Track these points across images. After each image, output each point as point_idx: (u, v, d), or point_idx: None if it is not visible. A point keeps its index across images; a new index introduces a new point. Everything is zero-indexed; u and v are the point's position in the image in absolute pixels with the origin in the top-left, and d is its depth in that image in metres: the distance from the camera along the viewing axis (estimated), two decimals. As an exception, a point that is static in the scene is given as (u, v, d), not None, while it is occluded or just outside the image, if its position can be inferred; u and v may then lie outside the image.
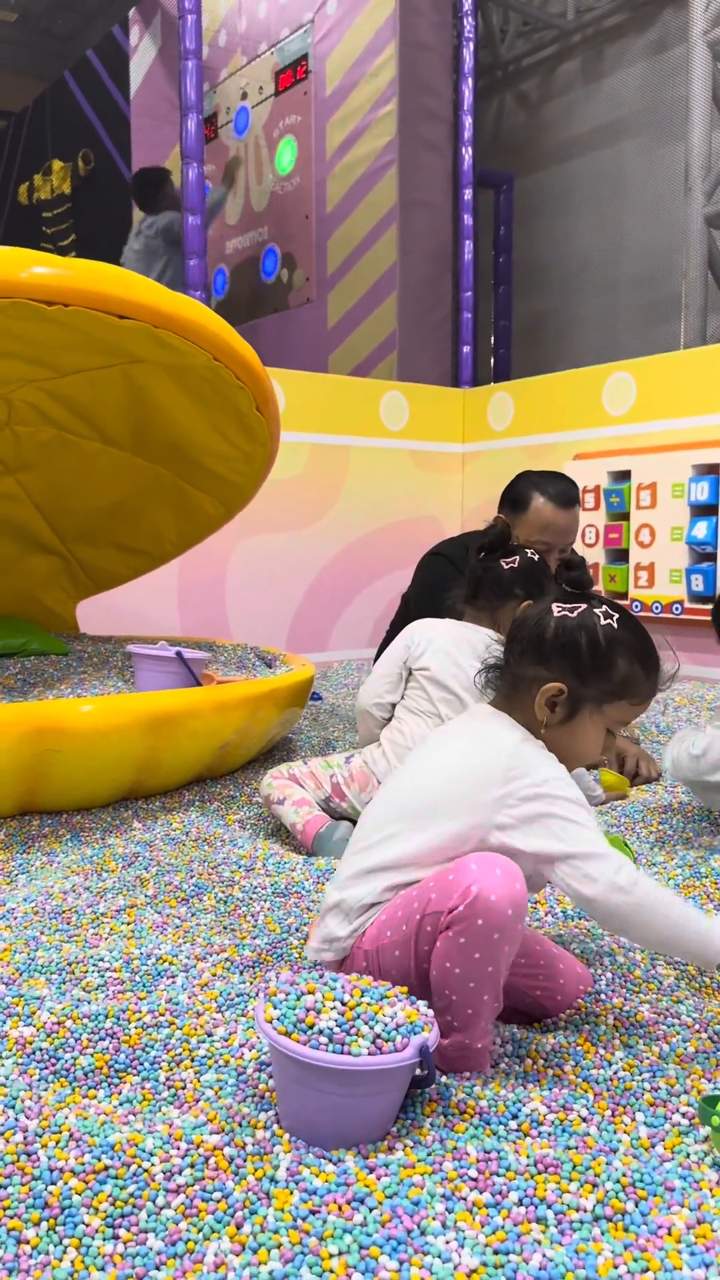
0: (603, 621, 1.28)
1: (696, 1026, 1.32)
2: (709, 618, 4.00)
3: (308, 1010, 1.08)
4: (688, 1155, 1.04)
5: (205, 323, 2.41)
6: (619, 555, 4.40)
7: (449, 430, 5.23)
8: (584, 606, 1.30)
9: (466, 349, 5.54)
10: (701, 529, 4.00)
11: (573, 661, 1.27)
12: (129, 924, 1.69)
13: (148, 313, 2.30)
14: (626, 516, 4.33)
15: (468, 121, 5.56)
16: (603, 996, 1.41)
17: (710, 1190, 0.98)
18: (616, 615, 1.29)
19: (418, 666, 2.26)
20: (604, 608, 1.30)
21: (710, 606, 4.00)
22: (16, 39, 8.98)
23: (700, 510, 4.05)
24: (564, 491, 2.60)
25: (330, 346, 5.80)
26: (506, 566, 2.19)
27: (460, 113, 5.58)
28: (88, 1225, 0.95)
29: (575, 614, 1.29)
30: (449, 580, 2.78)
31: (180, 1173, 1.01)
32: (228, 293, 6.62)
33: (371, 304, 5.55)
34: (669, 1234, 0.92)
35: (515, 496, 2.65)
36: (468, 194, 5.57)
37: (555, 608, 1.31)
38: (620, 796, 2.43)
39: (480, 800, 1.22)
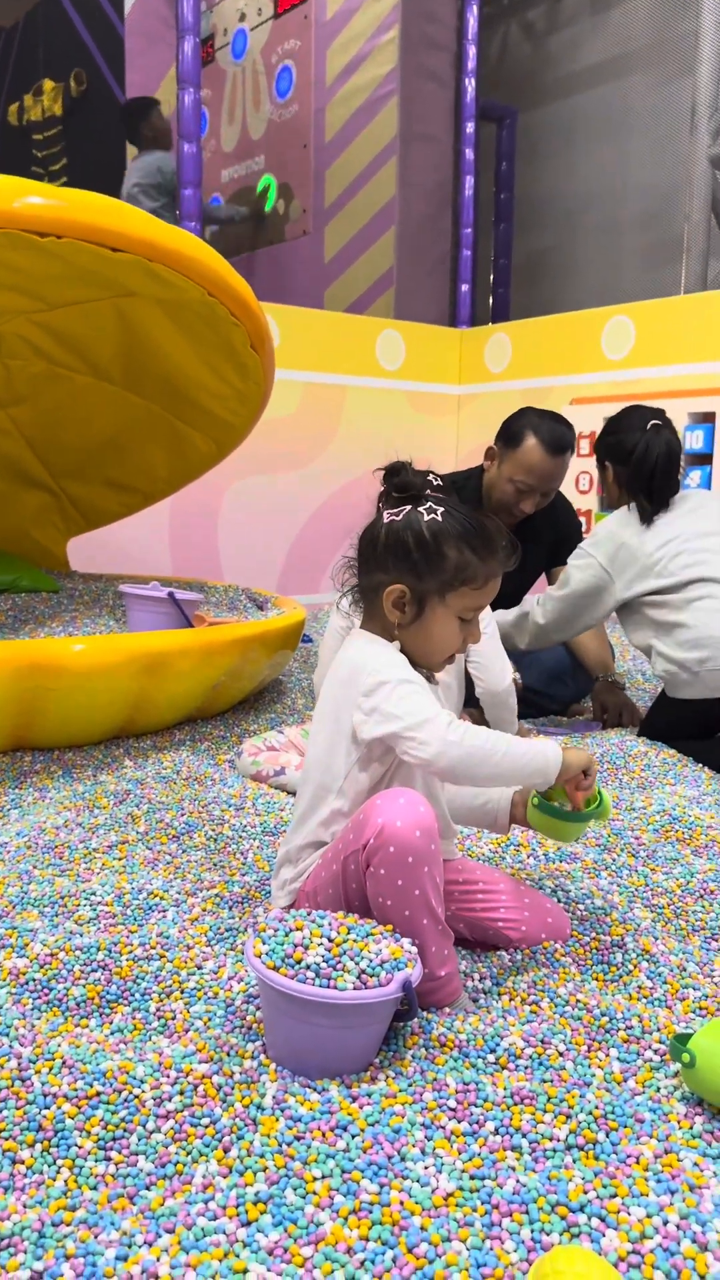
0: (426, 517, 1.31)
1: (671, 967, 1.36)
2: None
3: (295, 946, 1.11)
4: (658, 1090, 1.09)
5: (200, 257, 2.37)
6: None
7: (445, 371, 5.18)
8: (408, 508, 1.33)
9: (465, 287, 5.47)
10: (695, 478, 3.99)
11: (406, 560, 1.31)
12: (120, 859, 1.72)
13: (141, 246, 2.26)
14: (621, 463, 4.32)
15: (471, 51, 5.41)
16: (581, 936, 1.45)
17: (678, 1123, 1.02)
18: (441, 509, 1.32)
19: None
20: (428, 504, 1.32)
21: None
22: (6, -51, 8.66)
23: (694, 459, 4.04)
24: (557, 437, 2.59)
25: (326, 281, 5.71)
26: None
27: (464, 42, 5.43)
28: (80, 1147, 0.99)
29: (401, 516, 1.33)
30: None
31: (170, 1099, 1.05)
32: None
33: (369, 238, 5.45)
34: (637, 1163, 0.96)
35: (511, 431, 2.64)
36: (470, 127, 5.45)
37: (385, 515, 1.34)
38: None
39: (346, 709, 1.30)
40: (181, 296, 2.50)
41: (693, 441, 3.99)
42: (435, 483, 1.36)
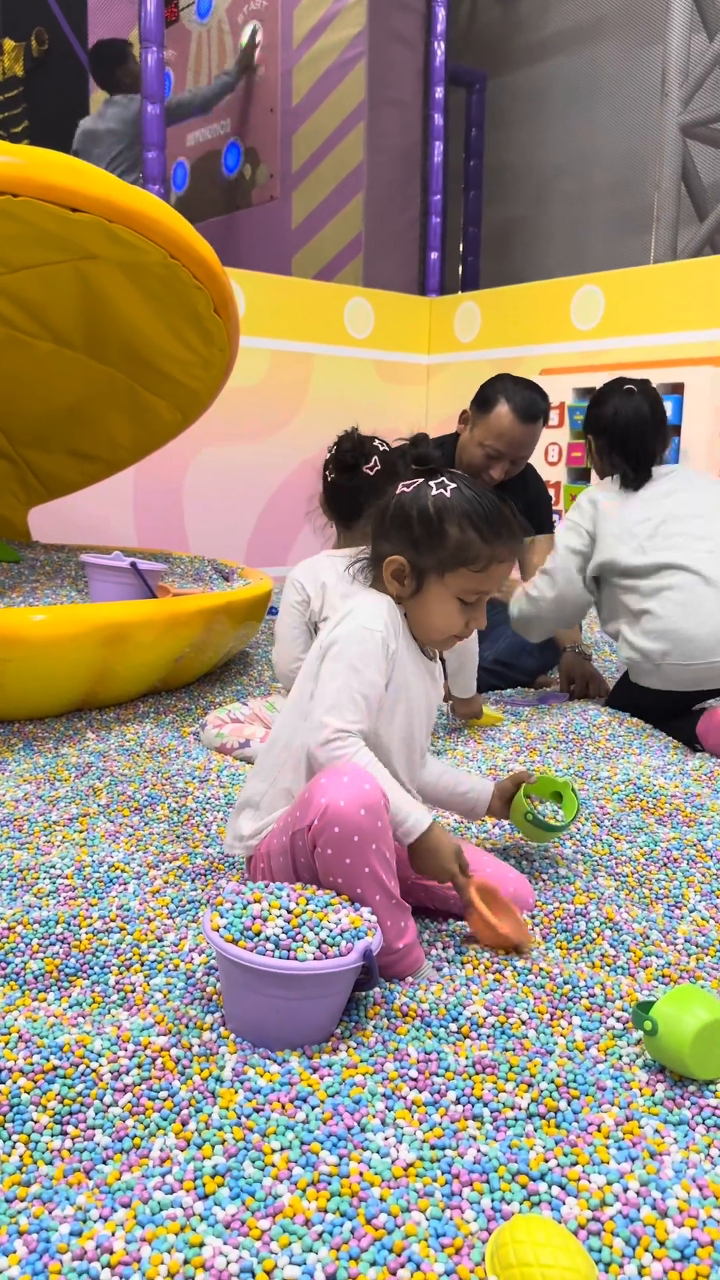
0: (434, 492, 1.29)
1: (634, 935, 1.36)
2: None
3: (254, 918, 1.09)
4: (620, 1058, 1.08)
5: (161, 218, 2.32)
6: (581, 474, 4.39)
7: (415, 340, 5.13)
8: (420, 481, 1.31)
9: (434, 255, 5.41)
10: (663, 449, 3.99)
11: (407, 533, 1.29)
12: (81, 832, 1.70)
13: (101, 206, 2.20)
14: (589, 434, 4.30)
15: (440, 14, 5.32)
16: (544, 905, 1.44)
17: (640, 1090, 1.02)
18: (453, 485, 1.29)
19: (321, 619, 2.20)
20: (442, 479, 1.30)
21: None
22: None
23: (663, 430, 4.04)
24: (529, 404, 2.57)
25: (294, 248, 5.62)
26: (370, 474, 2.06)
27: (433, 4, 5.34)
28: (36, 1122, 0.97)
29: (411, 488, 1.31)
30: None
31: (127, 1073, 1.03)
32: (188, 188, 6.37)
33: (337, 204, 5.37)
34: (599, 1130, 0.95)
35: (485, 397, 2.62)
36: (439, 92, 5.37)
37: (399, 486, 1.33)
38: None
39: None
40: (142, 259, 2.44)
41: (661, 413, 3.99)
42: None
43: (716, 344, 3.98)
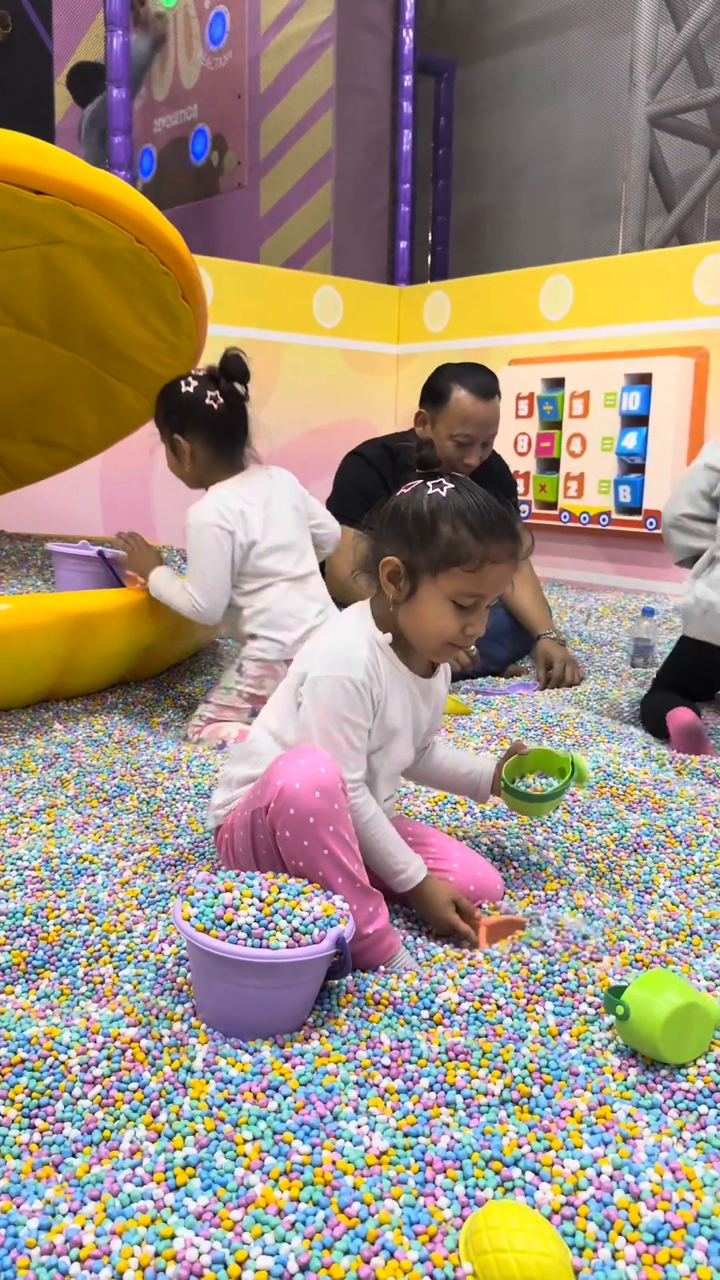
0: (430, 492, 1.28)
1: (605, 921, 1.36)
2: (636, 529, 4.04)
3: (226, 907, 1.08)
4: (592, 1043, 1.09)
5: (127, 202, 2.28)
6: (550, 464, 4.40)
7: (384, 330, 5.11)
8: (419, 483, 1.31)
9: (403, 244, 5.39)
10: (631, 439, 4.01)
11: (401, 532, 1.28)
12: (49, 824, 1.68)
13: (65, 189, 2.17)
14: (559, 425, 4.31)
15: (409, 1, 5.30)
16: (514, 893, 1.44)
17: (612, 1075, 1.02)
18: (450, 485, 1.29)
19: (250, 541, 2.24)
20: (440, 479, 1.30)
21: (638, 518, 4.04)
22: None
23: (631, 420, 4.05)
24: (483, 383, 2.57)
25: (262, 236, 5.58)
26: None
27: (402, -9, 5.31)
28: (3, 1116, 0.96)
29: (410, 490, 1.31)
30: (366, 482, 2.74)
31: (97, 1065, 1.02)
32: (155, 174, 6.30)
33: (306, 192, 5.34)
34: (572, 1116, 0.95)
35: (435, 390, 2.62)
36: (407, 80, 5.34)
37: (402, 489, 1.33)
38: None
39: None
40: (109, 244, 2.41)
41: (629, 403, 4.00)
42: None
43: (684, 335, 4.00)
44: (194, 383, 2.26)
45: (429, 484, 1.29)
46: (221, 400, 2.24)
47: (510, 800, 1.46)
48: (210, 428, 2.25)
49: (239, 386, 2.25)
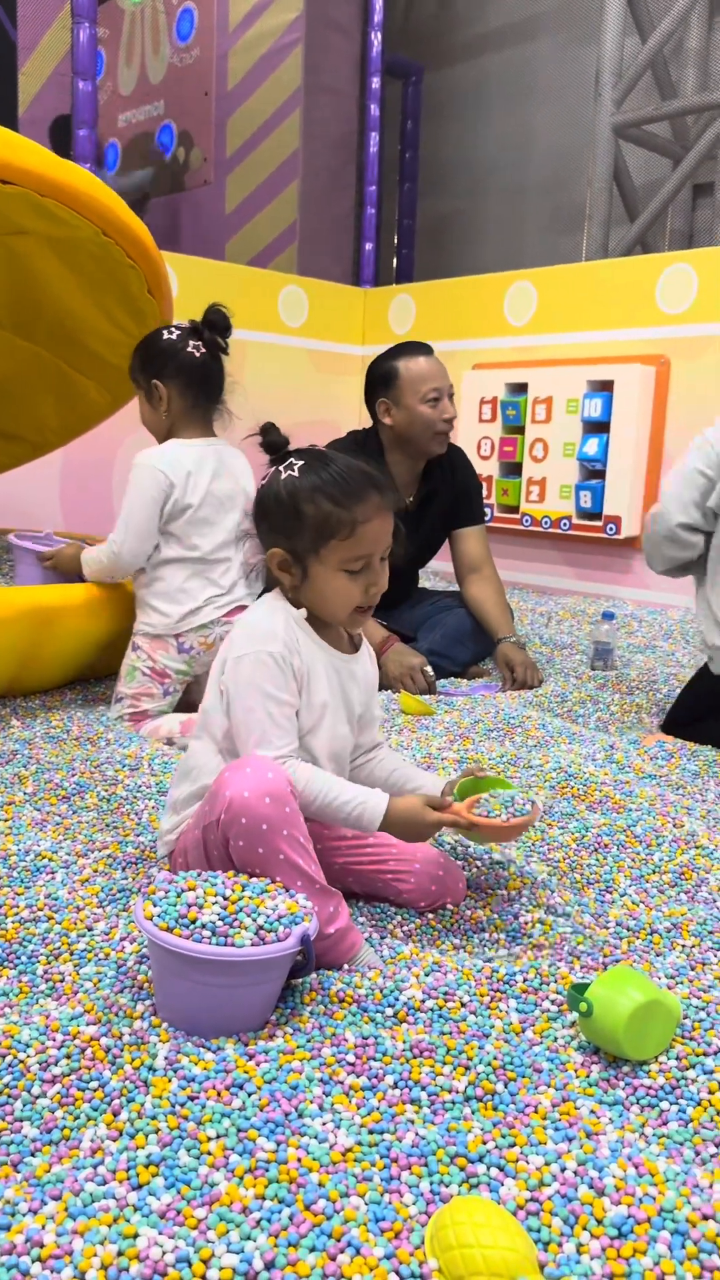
0: (283, 476, 1.29)
1: (567, 918, 1.37)
2: (597, 534, 4.08)
3: (189, 906, 1.07)
4: (556, 1039, 1.09)
5: (94, 193, 2.26)
6: (513, 469, 4.42)
7: (349, 331, 5.11)
8: (273, 471, 1.32)
9: (369, 246, 5.39)
10: (593, 445, 4.04)
11: (274, 523, 1.30)
12: (6, 821, 1.65)
13: (31, 179, 2.14)
14: (522, 430, 4.34)
15: (377, 4, 5.31)
16: (477, 890, 1.45)
17: (576, 1071, 1.03)
18: (300, 463, 1.29)
19: (185, 505, 2.26)
20: (290, 460, 1.31)
21: (599, 523, 4.07)
22: None
23: (593, 427, 4.09)
24: (417, 347, 2.70)
25: (228, 233, 5.56)
26: None
27: (371, -7, 5.32)
28: (-40, 1115, 0.94)
29: (267, 480, 1.32)
30: None
31: (56, 1063, 1.01)
32: (119, 170, 6.25)
33: (272, 191, 5.32)
34: (535, 1112, 0.96)
35: (382, 375, 2.70)
36: (375, 82, 5.35)
37: (261, 480, 1.34)
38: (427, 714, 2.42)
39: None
40: (74, 235, 2.38)
41: (591, 410, 4.04)
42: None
43: (646, 343, 4.05)
44: (176, 332, 2.28)
45: (280, 469, 1.30)
46: (203, 350, 2.25)
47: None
48: (188, 374, 2.26)
49: (220, 340, 2.27)
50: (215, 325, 2.25)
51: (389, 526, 1.30)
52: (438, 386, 2.64)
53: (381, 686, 2.65)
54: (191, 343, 2.25)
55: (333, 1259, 0.78)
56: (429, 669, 2.63)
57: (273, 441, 1.35)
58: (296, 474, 1.28)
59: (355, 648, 1.40)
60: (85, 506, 4.28)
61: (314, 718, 1.31)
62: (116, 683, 2.34)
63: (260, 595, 1.42)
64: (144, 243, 2.42)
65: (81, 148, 4.39)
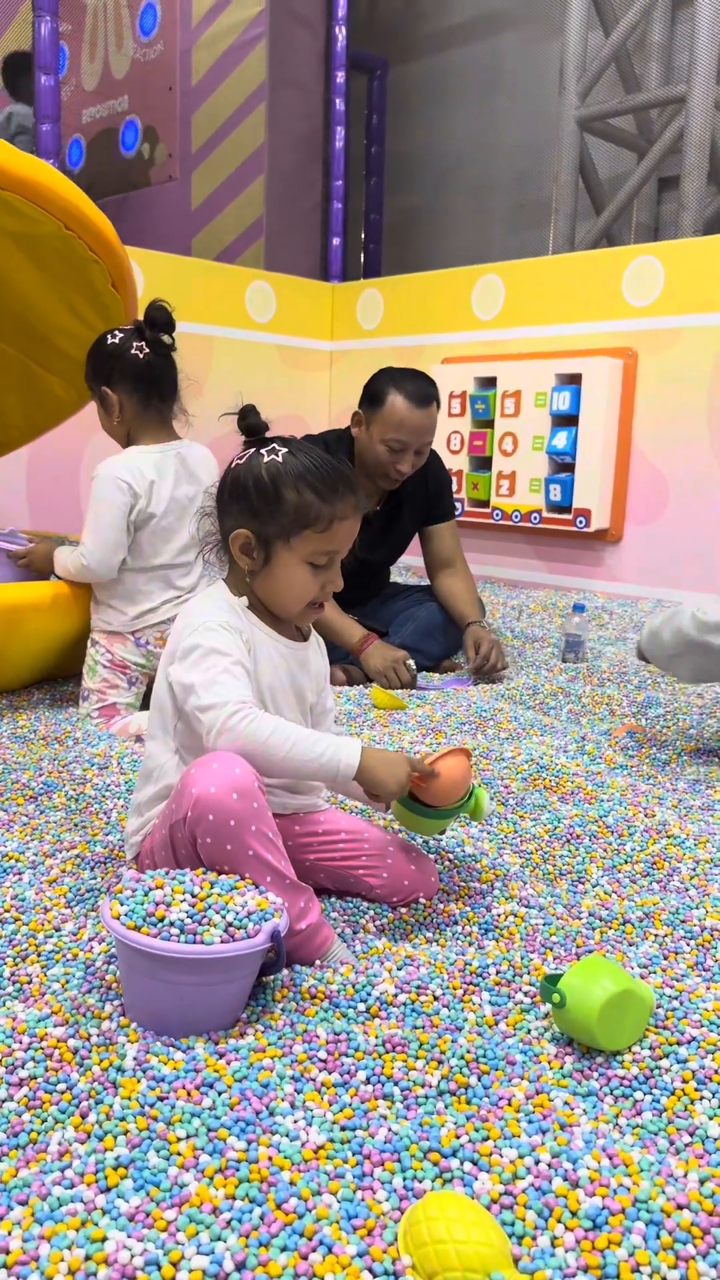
0: (265, 459, 1.28)
1: (539, 910, 1.36)
2: (566, 527, 4.09)
3: (157, 904, 1.06)
4: (529, 1031, 1.08)
5: (56, 187, 2.23)
6: (482, 463, 4.42)
7: (317, 326, 5.09)
8: (251, 451, 1.30)
9: (336, 241, 5.38)
10: (562, 439, 4.05)
11: (247, 504, 1.28)
12: (-28, 821, 1.63)
13: (-8, 171, 2.11)
14: (491, 424, 4.34)
15: (342, -2, 5.29)
16: (450, 884, 1.44)
17: (549, 1063, 1.02)
18: (284, 450, 1.29)
19: (148, 515, 2.25)
20: (272, 445, 1.30)
21: (568, 516, 4.09)
22: None
23: (561, 420, 4.10)
24: (421, 390, 2.57)
25: (194, 229, 5.52)
26: None
27: (335, -13, 5.30)
28: None
29: (244, 460, 1.30)
30: None
31: (23, 1066, 0.99)
32: (83, 165, 6.19)
33: (238, 186, 5.29)
34: (509, 1105, 0.95)
35: (373, 392, 2.61)
36: (340, 76, 5.33)
37: (233, 460, 1.32)
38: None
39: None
40: (36, 230, 2.35)
41: (559, 403, 4.04)
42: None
43: (613, 335, 4.06)
44: (120, 334, 2.26)
45: (263, 451, 1.29)
46: (147, 350, 2.23)
47: (398, 811, 1.36)
48: (136, 377, 2.24)
49: (164, 337, 2.25)
50: (156, 323, 2.22)
51: (357, 528, 1.31)
52: (405, 440, 2.57)
53: (365, 681, 2.64)
54: (135, 344, 2.23)
55: (305, 1258, 0.77)
56: (411, 662, 2.62)
57: (252, 424, 1.32)
58: (280, 459, 1.27)
59: (305, 637, 1.39)
60: (53, 503, 4.24)
61: (262, 701, 1.30)
62: (81, 680, 2.32)
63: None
64: (107, 237, 2.40)
65: (45, 143, 4.34)
